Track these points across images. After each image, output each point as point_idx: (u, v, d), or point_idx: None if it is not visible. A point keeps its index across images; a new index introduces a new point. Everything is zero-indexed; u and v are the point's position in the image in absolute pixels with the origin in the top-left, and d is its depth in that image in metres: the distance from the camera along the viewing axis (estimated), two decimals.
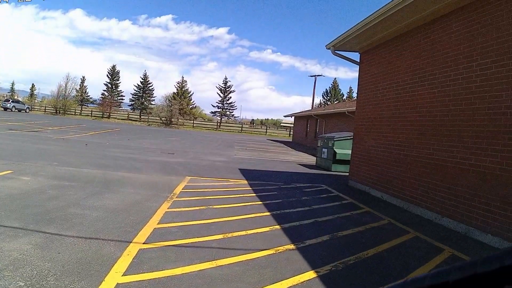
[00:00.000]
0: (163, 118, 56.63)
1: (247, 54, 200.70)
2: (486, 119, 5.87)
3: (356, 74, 11.64)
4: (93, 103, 69.63)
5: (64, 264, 3.68)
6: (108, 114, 59.43)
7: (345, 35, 9.95)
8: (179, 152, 17.42)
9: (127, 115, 62.30)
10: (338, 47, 10.89)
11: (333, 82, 78.38)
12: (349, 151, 12.27)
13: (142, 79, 69.92)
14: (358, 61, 11.27)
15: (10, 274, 3.31)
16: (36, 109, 60.01)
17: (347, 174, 11.86)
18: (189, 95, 68.16)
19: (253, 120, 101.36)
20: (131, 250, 4.29)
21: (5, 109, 46.29)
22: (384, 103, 9.37)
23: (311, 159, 19.27)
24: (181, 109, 60.46)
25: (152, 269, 3.82)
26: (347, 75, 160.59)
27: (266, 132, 61.44)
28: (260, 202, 7.55)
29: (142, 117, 62.43)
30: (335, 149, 14.60)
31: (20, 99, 64.92)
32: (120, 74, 70.39)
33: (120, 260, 3.95)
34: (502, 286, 0.43)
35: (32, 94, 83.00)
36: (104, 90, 68.36)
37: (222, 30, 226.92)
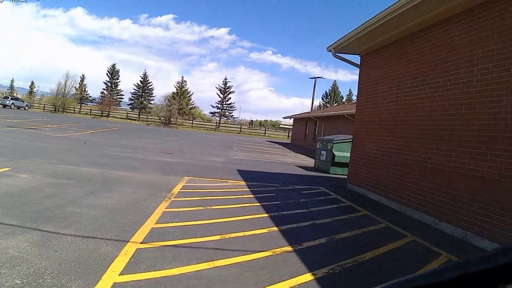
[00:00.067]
0: (162, 118, 56.61)
1: (247, 55, 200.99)
2: (486, 124, 5.88)
3: (356, 77, 11.67)
4: (92, 102, 69.64)
5: (61, 262, 3.67)
6: (107, 113, 59.37)
7: (346, 38, 9.96)
8: (178, 152, 17.40)
9: (126, 114, 62.24)
10: (339, 50, 10.90)
11: (332, 85, 78.64)
12: (348, 154, 12.27)
13: (142, 78, 70.03)
14: (359, 63, 11.29)
15: (6, 272, 3.30)
16: (35, 107, 59.91)
17: (346, 177, 11.86)
18: (188, 95, 68.22)
19: (252, 121, 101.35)
20: (129, 250, 4.28)
21: (4, 106, 46.19)
22: (384, 106, 9.38)
23: (309, 161, 19.27)
24: (180, 109, 60.46)
25: (149, 269, 3.82)
26: (346, 78, 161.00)
27: (265, 133, 61.43)
28: (258, 204, 7.55)
29: (141, 116, 62.39)
30: (333, 152, 14.61)
31: (19, 96, 64.94)
32: (120, 73, 70.65)
33: (117, 260, 3.94)
34: (496, 285, 0.43)
35: (31, 92, 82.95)
36: (104, 89, 68.49)
37: (223, 31, 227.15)
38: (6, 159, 9.21)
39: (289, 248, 4.93)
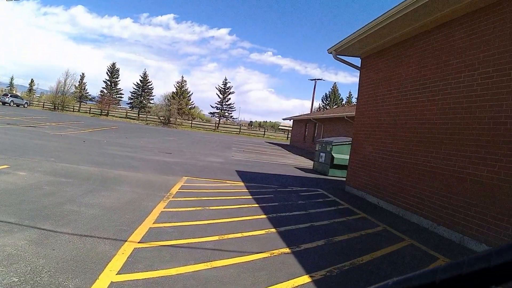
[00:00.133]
0: (161, 118, 56.59)
1: (248, 56, 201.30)
2: (486, 129, 5.88)
3: (356, 79, 11.68)
4: (91, 100, 69.51)
5: (58, 261, 3.67)
6: (106, 111, 59.29)
7: (347, 40, 9.97)
8: (177, 152, 17.39)
9: (125, 113, 62.18)
10: (340, 52, 10.91)
11: (332, 87, 78.60)
12: (347, 156, 12.28)
13: (142, 77, 69.98)
14: (359, 66, 11.30)
15: (4, 270, 3.29)
16: (35, 105, 59.86)
17: (344, 179, 11.86)
18: (188, 95, 68.21)
19: (251, 122, 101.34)
20: (126, 249, 4.27)
21: (4, 103, 46.12)
22: (384, 109, 9.39)
23: (308, 163, 19.28)
24: (180, 109, 60.45)
25: (147, 268, 3.81)
26: (346, 80, 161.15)
27: (264, 134, 61.41)
28: (257, 205, 7.55)
29: (140, 115, 62.35)
30: (333, 154, 14.61)
31: (18, 94, 64.80)
32: (120, 72, 70.55)
33: (115, 259, 3.93)
34: (489, 286, 0.44)
35: (31, 89, 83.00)
36: (103, 88, 68.39)
37: (223, 31, 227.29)
38: (4, 157, 9.20)
39: (287, 250, 4.93)
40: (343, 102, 74.75)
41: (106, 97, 63.32)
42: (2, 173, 7.39)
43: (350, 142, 12.03)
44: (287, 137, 56.07)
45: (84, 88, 69.25)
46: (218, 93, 70.97)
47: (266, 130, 67.97)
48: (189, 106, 68.24)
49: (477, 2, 6.25)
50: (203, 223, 5.77)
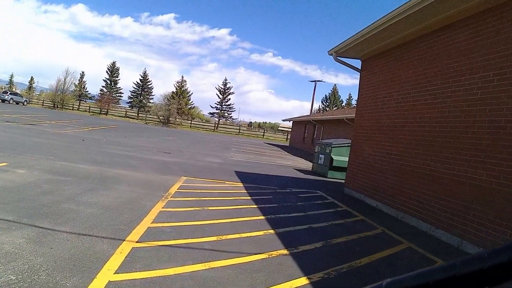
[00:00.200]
0: (161, 117, 56.56)
1: (248, 57, 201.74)
2: (486, 132, 5.88)
3: (356, 81, 11.69)
4: (91, 99, 69.44)
5: (56, 259, 3.66)
6: (106, 110, 59.25)
7: (347, 42, 9.98)
8: (176, 152, 17.39)
9: (125, 113, 62.12)
10: (340, 54, 10.92)
11: (332, 88, 78.64)
12: (346, 158, 12.28)
13: (142, 77, 69.90)
14: (360, 68, 11.31)
15: (1, 268, 3.28)
16: (34, 102, 59.78)
17: (343, 181, 11.86)
18: (188, 95, 68.11)
19: (251, 122, 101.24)
20: (124, 248, 4.27)
21: (3, 101, 46.06)
22: (384, 111, 9.39)
23: (307, 165, 19.28)
24: (180, 108, 60.38)
25: (145, 268, 3.81)
26: (346, 82, 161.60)
27: (263, 135, 61.39)
28: (255, 206, 7.55)
29: (140, 115, 62.29)
30: (332, 156, 14.61)
31: (18, 91, 64.75)
32: (120, 71, 70.40)
33: (113, 258, 3.93)
34: (482, 287, 0.44)
35: (30, 87, 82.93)
36: (103, 86, 68.27)
37: (224, 31, 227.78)
38: (3, 154, 9.18)
39: (285, 251, 4.92)
40: (343, 104, 74.85)
41: (105, 96, 63.24)
42: (1, 170, 7.37)
43: (350, 144, 12.04)
44: (287, 138, 56.09)
45: (84, 87, 69.14)
46: (218, 93, 70.95)
47: (265, 131, 67.92)
48: (189, 106, 68.14)
49: (478, 5, 6.26)
50: (202, 224, 5.76)
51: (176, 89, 66.17)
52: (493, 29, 5.97)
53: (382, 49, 9.74)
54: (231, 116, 73.74)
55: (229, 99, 71.33)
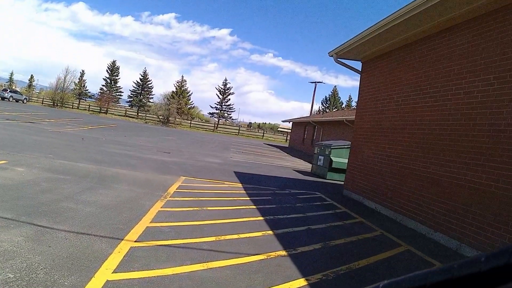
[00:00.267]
0: (160, 117, 56.55)
1: (248, 57, 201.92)
2: (486, 136, 5.88)
3: (357, 83, 11.70)
4: (91, 98, 69.44)
5: (54, 258, 3.66)
6: (105, 109, 59.23)
7: (348, 44, 9.98)
8: (175, 152, 17.38)
9: (124, 112, 62.08)
10: (341, 55, 10.93)
11: (333, 90, 78.80)
12: (346, 160, 12.29)
13: (142, 76, 69.97)
14: (360, 70, 11.31)
15: None
16: (34, 101, 59.76)
17: (342, 183, 11.87)
18: (188, 94, 68.11)
19: (250, 123, 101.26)
20: (123, 248, 4.26)
21: (3, 98, 46.01)
22: (384, 113, 9.39)
23: (306, 166, 19.29)
24: (179, 108, 60.36)
25: (143, 267, 3.80)
26: (347, 84, 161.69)
27: (263, 136, 61.37)
28: (254, 207, 7.54)
29: (139, 114, 62.27)
30: (331, 157, 14.61)
31: (18, 89, 64.68)
32: (120, 70, 70.45)
33: (111, 257, 3.92)
34: None
35: (30, 85, 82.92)
36: (103, 85, 68.30)
37: (225, 32, 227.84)
38: (3, 152, 9.18)
39: (283, 253, 4.92)
40: (343, 105, 74.83)
41: (105, 95, 63.27)
42: (0, 168, 7.37)
43: (349, 146, 12.04)
44: (286, 139, 56.11)
45: (84, 85, 69.12)
46: (218, 93, 70.95)
47: (265, 132, 67.85)
48: (189, 106, 68.13)
49: (479, 8, 6.27)
50: (200, 224, 5.76)
51: (176, 88, 66.17)
52: (495, 32, 5.97)
53: (383, 51, 9.75)
54: (231, 117, 73.79)
55: (229, 99, 71.37)
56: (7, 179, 6.58)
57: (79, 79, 66.42)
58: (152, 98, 69.37)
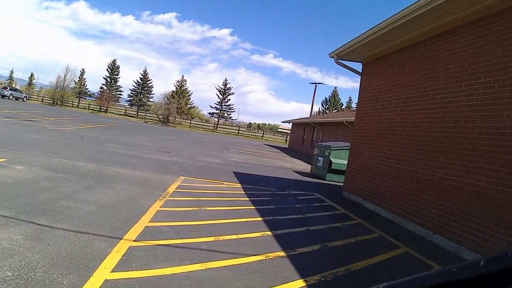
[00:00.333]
0: (160, 116, 56.56)
1: (249, 57, 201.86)
2: (486, 139, 5.88)
3: (357, 84, 11.71)
4: (91, 96, 69.48)
5: (53, 256, 3.65)
6: (105, 108, 59.24)
7: (349, 45, 9.99)
8: (175, 151, 17.38)
9: (124, 111, 62.09)
10: (341, 56, 10.93)
11: (333, 91, 78.67)
12: (345, 161, 12.28)
13: (142, 75, 69.98)
14: (360, 71, 11.31)
15: None
16: (34, 99, 59.78)
17: (342, 184, 11.87)
18: (188, 94, 68.12)
19: (250, 123, 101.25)
20: (121, 247, 4.26)
21: (3, 96, 45.98)
22: (384, 115, 9.40)
23: (306, 167, 19.28)
24: (179, 108, 60.37)
25: (142, 267, 3.80)
26: (347, 85, 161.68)
27: (262, 136, 61.39)
28: (253, 207, 7.54)
29: (139, 113, 62.25)
30: (331, 158, 14.61)
31: (18, 87, 64.62)
32: (120, 69, 70.48)
33: (110, 256, 3.92)
34: None
35: (30, 83, 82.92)
36: (103, 84, 68.31)
37: (225, 31, 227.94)
38: (2, 150, 9.17)
39: (282, 253, 4.92)
40: (343, 107, 74.82)
41: (105, 94, 63.28)
42: None
43: (349, 147, 12.03)
44: (286, 140, 56.11)
45: (84, 84, 69.13)
46: (218, 93, 70.99)
47: (264, 133, 67.85)
48: (189, 106, 68.13)
49: (480, 11, 6.27)
50: (199, 224, 5.76)
51: (176, 88, 66.18)
52: (495, 35, 5.97)
53: (384, 52, 9.75)
54: (231, 117, 73.86)
55: (229, 99, 71.43)
56: (6, 177, 6.58)
57: (79, 77, 66.48)
58: (152, 97, 69.45)
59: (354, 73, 11.43)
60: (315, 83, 55.88)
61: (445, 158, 6.76)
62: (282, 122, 56.08)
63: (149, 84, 70.21)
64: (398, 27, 7.88)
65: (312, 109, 55.24)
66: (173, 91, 64.30)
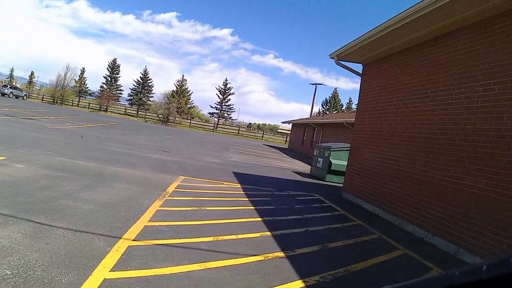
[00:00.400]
0: (160, 116, 56.56)
1: (249, 57, 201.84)
2: (486, 141, 5.88)
3: (357, 86, 11.71)
4: (91, 95, 69.51)
5: (52, 255, 3.65)
6: (105, 107, 59.23)
7: (349, 46, 9.99)
8: (175, 151, 17.38)
9: (124, 110, 62.10)
10: (342, 57, 10.93)
11: (333, 92, 78.58)
12: (345, 162, 12.28)
13: (142, 74, 70.02)
14: (361, 72, 11.31)
15: None
16: (34, 97, 59.74)
17: (341, 185, 11.86)
18: (188, 94, 68.17)
19: (250, 124, 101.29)
20: (120, 246, 4.26)
21: (3, 94, 45.98)
22: (384, 116, 9.40)
23: (306, 167, 19.28)
24: (179, 107, 60.39)
25: (140, 266, 3.80)
26: (347, 86, 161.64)
27: (262, 137, 61.40)
28: (253, 207, 7.54)
29: (139, 113, 62.24)
30: (330, 159, 14.60)
31: (18, 85, 64.60)
32: (120, 68, 70.53)
33: (109, 256, 3.92)
34: None
35: (30, 82, 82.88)
36: (103, 83, 68.34)
37: (226, 31, 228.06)
38: (2, 148, 9.16)
39: (281, 254, 4.92)
40: (343, 108, 74.81)
41: (105, 93, 63.30)
42: None
43: (349, 148, 12.03)
44: (285, 141, 56.10)
45: (84, 83, 69.20)
46: (218, 93, 71.01)
47: (264, 133, 67.84)
48: (189, 105, 68.16)
49: (481, 13, 6.27)
50: (199, 223, 5.76)
51: (177, 88, 66.22)
52: (496, 38, 5.97)
53: (384, 54, 9.75)
54: (231, 117, 73.88)
55: (229, 99, 71.48)
56: (6, 176, 6.57)
57: (79, 76, 66.55)
58: (152, 97, 69.51)
59: (354, 74, 11.43)
60: (315, 84, 55.90)
61: (445, 160, 6.76)
62: (282, 122, 56.11)
63: (149, 84, 70.26)
64: (399, 29, 7.88)
65: (312, 109, 55.27)
66: (173, 91, 64.35)
